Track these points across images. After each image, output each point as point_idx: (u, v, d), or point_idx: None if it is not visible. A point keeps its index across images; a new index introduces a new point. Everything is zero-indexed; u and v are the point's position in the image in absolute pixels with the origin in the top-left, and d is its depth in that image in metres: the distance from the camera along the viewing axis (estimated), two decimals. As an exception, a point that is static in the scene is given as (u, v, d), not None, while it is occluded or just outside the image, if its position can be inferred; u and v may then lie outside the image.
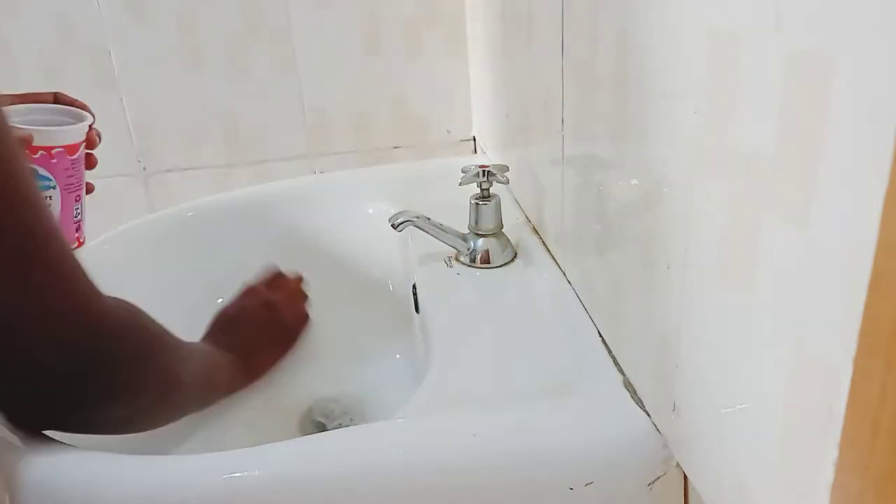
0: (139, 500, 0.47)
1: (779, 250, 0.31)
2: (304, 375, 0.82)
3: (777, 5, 0.29)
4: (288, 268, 0.89)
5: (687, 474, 0.46)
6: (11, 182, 0.37)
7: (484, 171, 0.72)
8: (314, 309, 0.79)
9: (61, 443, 0.49)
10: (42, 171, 0.55)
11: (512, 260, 0.74)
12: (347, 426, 0.52)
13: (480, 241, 0.73)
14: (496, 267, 0.73)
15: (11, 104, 0.55)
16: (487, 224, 0.73)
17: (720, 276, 0.37)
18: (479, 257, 0.73)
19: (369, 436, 0.50)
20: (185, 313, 0.82)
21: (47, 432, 0.50)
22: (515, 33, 0.76)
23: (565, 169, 0.63)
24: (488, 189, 0.73)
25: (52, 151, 0.54)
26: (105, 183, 1.06)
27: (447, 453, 0.48)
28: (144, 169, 1.05)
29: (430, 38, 1.05)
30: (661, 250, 0.43)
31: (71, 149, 0.56)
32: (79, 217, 0.60)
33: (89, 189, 0.62)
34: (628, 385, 0.52)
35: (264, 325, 0.71)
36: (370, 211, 0.88)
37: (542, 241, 0.75)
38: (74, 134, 0.56)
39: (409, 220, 0.72)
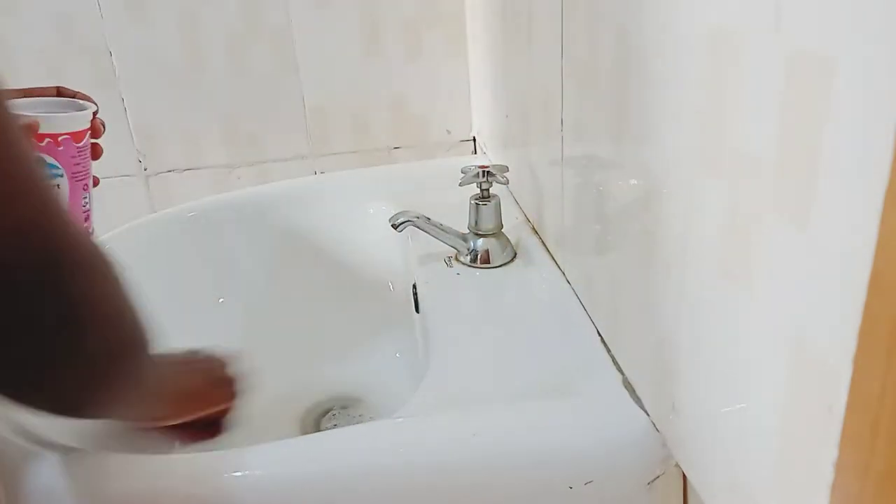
0: (139, 500, 0.47)
1: (779, 250, 0.31)
2: (305, 375, 0.82)
3: (777, 5, 0.29)
4: (288, 268, 0.89)
5: (686, 473, 0.46)
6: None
7: (484, 172, 0.72)
8: (314, 309, 0.79)
9: (61, 442, 0.49)
10: (50, 160, 0.55)
11: (512, 260, 0.74)
12: (347, 426, 0.51)
13: (480, 241, 0.73)
14: (496, 267, 0.73)
15: (15, 98, 0.55)
16: (487, 224, 0.73)
17: (720, 276, 0.37)
18: (479, 257, 0.73)
19: (369, 436, 0.50)
20: (185, 313, 0.82)
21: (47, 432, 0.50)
22: (515, 33, 0.76)
23: (565, 169, 0.63)
24: (488, 189, 0.73)
25: (59, 139, 0.55)
26: (106, 183, 1.06)
27: (447, 453, 0.48)
28: (145, 169, 1.05)
29: (430, 38, 1.05)
30: (660, 250, 0.43)
31: (77, 136, 0.56)
32: (87, 206, 0.60)
33: (95, 182, 0.61)
34: (627, 385, 0.52)
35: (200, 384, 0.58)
36: (370, 211, 0.88)
37: (542, 241, 0.75)
38: (79, 120, 0.56)
39: (409, 220, 0.72)
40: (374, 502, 0.47)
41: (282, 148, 1.08)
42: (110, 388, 0.41)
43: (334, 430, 0.51)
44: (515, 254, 0.75)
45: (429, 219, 0.73)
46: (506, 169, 0.73)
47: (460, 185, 0.72)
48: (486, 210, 0.73)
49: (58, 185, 0.56)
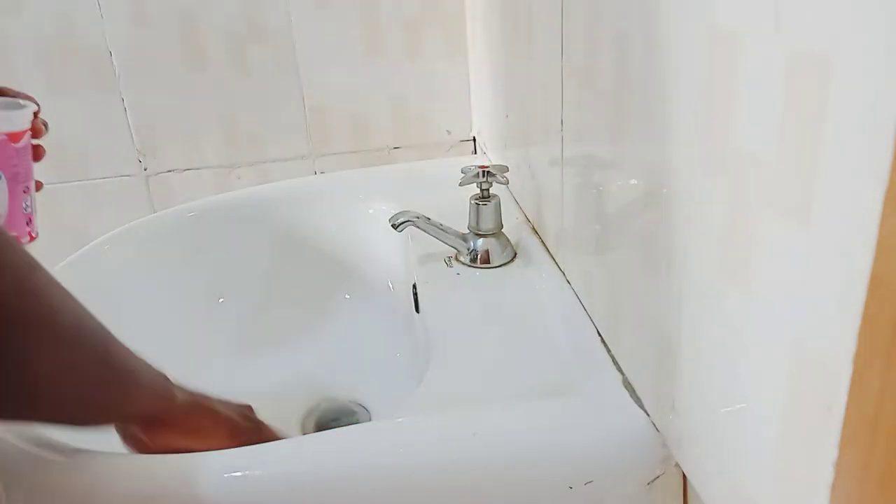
0: (139, 500, 0.47)
1: (779, 250, 0.31)
2: (304, 375, 0.82)
3: (777, 5, 0.29)
4: (288, 268, 0.89)
5: (686, 474, 0.46)
6: None
7: (484, 172, 0.72)
8: (314, 309, 0.79)
9: (60, 442, 0.49)
10: None
11: (512, 260, 0.74)
12: (347, 425, 0.51)
13: (480, 241, 0.73)
14: (496, 267, 0.73)
15: None
16: (487, 224, 0.73)
17: (720, 276, 0.37)
18: (479, 257, 0.73)
19: (369, 436, 0.50)
20: (185, 313, 0.82)
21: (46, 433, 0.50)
22: (515, 33, 0.76)
23: (565, 169, 0.63)
24: (488, 189, 0.73)
25: None
26: (105, 183, 1.07)
27: (447, 453, 0.48)
28: (145, 169, 1.05)
29: (430, 38, 1.05)
30: (660, 250, 0.43)
31: (14, 136, 0.54)
32: (29, 210, 0.57)
33: (38, 187, 0.58)
34: (627, 385, 0.52)
35: (233, 420, 0.54)
36: (370, 211, 0.88)
37: (542, 241, 0.75)
38: (17, 121, 0.54)
39: (409, 220, 0.72)
40: (374, 502, 0.47)
41: (282, 148, 1.08)
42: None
43: (334, 430, 0.51)
44: (515, 254, 0.75)
45: (429, 219, 0.73)
46: (506, 169, 0.73)
47: (460, 185, 0.72)
48: (486, 210, 0.73)
49: None
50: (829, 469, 0.29)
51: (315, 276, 0.89)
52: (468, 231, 0.74)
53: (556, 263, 0.70)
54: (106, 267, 0.78)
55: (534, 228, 0.77)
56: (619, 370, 0.54)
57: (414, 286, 0.75)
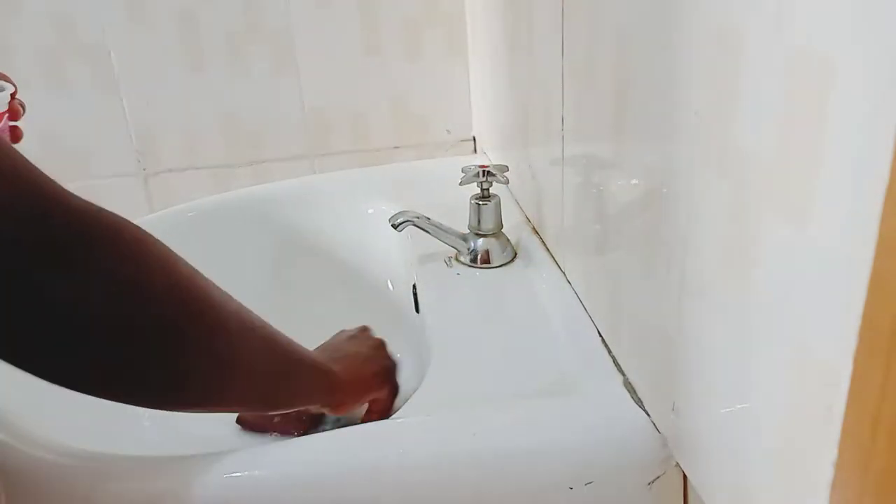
0: (139, 500, 0.47)
1: (779, 250, 0.31)
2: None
3: (777, 5, 0.29)
4: (288, 268, 0.89)
5: (686, 474, 0.46)
6: None
7: (484, 171, 0.72)
8: (314, 309, 0.79)
9: (60, 442, 0.49)
10: None
11: (512, 260, 0.74)
12: (347, 426, 0.51)
13: (480, 241, 0.73)
14: (496, 267, 0.73)
15: None
16: (487, 224, 0.73)
17: (720, 276, 0.37)
18: (479, 257, 0.73)
19: (369, 436, 0.50)
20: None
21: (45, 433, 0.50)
22: (515, 33, 0.76)
23: (565, 169, 0.63)
24: (488, 189, 0.73)
25: None
26: (105, 183, 1.07)
27: (447, 453, 0.48)
28: (144, 169, 1.05)
29: (430, 38, 1.05)
30: (660, 250, 0.43)
31: None
32: None
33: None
34: (628, 385, 0.52)
35: (373, 358, 0.63)
36: (370, 211, 0.88)
37: (542, 241, 0.75)
38: None
39: (409, 220, 0.72)
40: (374, 502, 0.47)
41: (282, 148, 1.08)
42: (178, 366, 0.39)
43: (334, 430, 0.51)
44: (515, 254, 0.75)
45: (429, 219, 0.73)
46: (506, 169, 0.73)
47: (460, 185, 0.72)
48: (486, 210, 0.73)
49: None
50: (829, 469, 0.29)
51: (315, 276, 0.88)
52: (468, 231, 0.74)
53: (557, 263, 0.70)
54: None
55: (534, 228, 0.77)
56: (620, 370, 0.53)
57: (414, 286, 0.75)
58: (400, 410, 0.53)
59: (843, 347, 0.27)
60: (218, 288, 0.43)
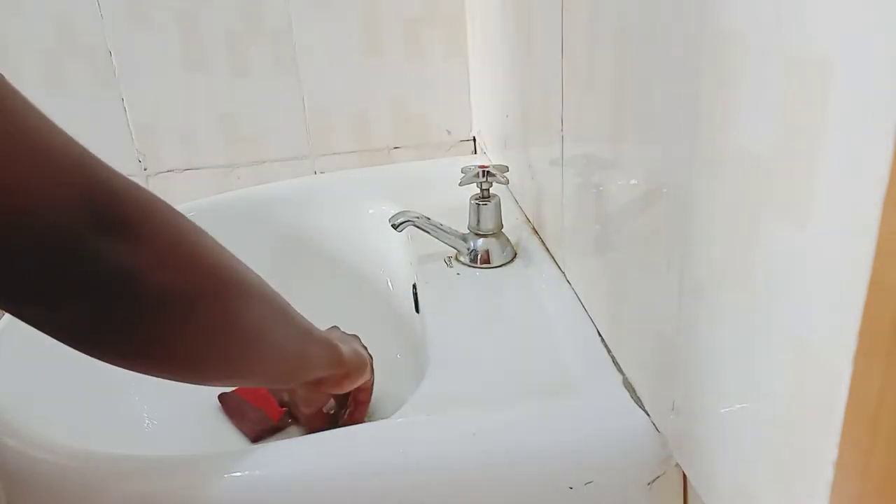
0: (139, 500, 0.47)
1: (779, 250, 0.31)
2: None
3: (777, 5, 0.29)
4: (288, 268, 0.89)
5: (686, 474, 0.46)
6: None
7: (484, 171, 0.72)
8: (314, 309, 0.79)
9: (59, 442, 0.49)
10: None
11: (512, 260, 0.74)
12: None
13: (480, 241, 0.73)
14: (496, 267, 0.73)
15: None
16: (487, 224, 0.73)
17: (720, 276, 0.37)
18: (479, 257, 0.73)
19: (369, 436, 0.50)
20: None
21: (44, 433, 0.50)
22: (515, 33, 0.76)
23: (565, 169, 0.63)
24: (488, 189, 0.73)
25: None
26: (105, 183, 1.06)
27: (447, 453, 0.48)
28: (145, 169, 1.05)
29: (430, 38, 1.05)
30: (660, 250, 0.43)
31: None
32: None
33: None
34: (628, 385, 0.52)
35: (359, 344, 0.64)
36: (370, 211, 0.88)
37: (542, 241, 0.75)
38: None
39: (409, 220, 0.72)
40: (375, 502, 0.47)
41: (282, 148, 1.08)
42: (198, 337, 0.40)
43: (334, 431, 0.51)
44: (515, 254, 0.75)
45: (429, 219, 0.73)
46: (506, 169, 0.73)
47: (460, 185, 0.72)
48: (486, 210, 0.73)
49: None
50: (829, 469, 0.29)
51: (315, 276, 0.89)
52: (468, 231, 0.74)
53: (556, 263, 0.70)
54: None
55: (534, 228, 0.77)
56: (620, 370, 0.54)
57: (414, 286, 0.75)
58: (400, 410, 0.53)
59: (844, 347, 0.27)
60: (239, 260, 0.44)
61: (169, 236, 0.38)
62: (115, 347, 0.38)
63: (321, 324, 0.56)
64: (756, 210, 0.32)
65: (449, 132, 1.11)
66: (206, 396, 0.71)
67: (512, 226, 0.78)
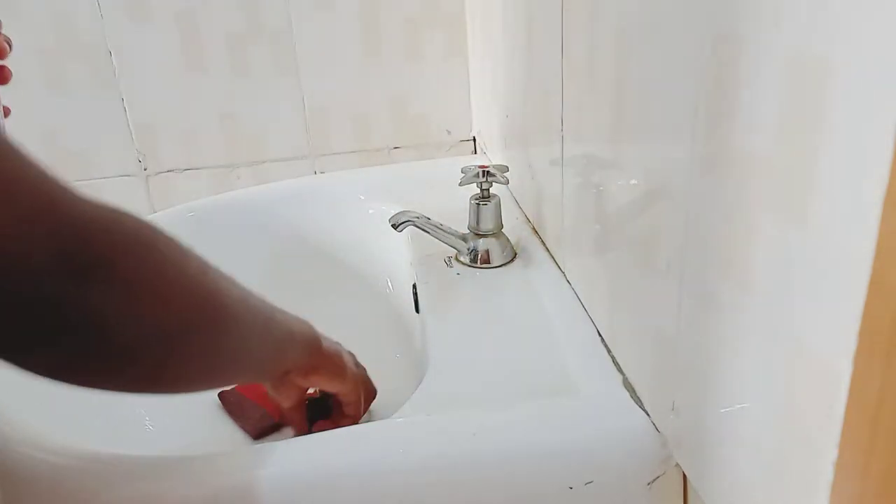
0: (138, 500, 0.47)
1: (778, 250, 0.31)
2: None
3: (777, 5, 0.29)
4: (287, 268, 0.89)
5: (686, 474, 0.46)
6: None
7: (484, 172, 0.72)
8: (314, 309, 0.79)
9: (60, 442, 0.49)
10: None
11: (512, 260, 0.74)
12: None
13: (480, 241, 0.73)
14: (496, 267, 0.73)
15: None
16: (487, 224, 0.73)
17: (719, 276, 0.37)
18: (479, 257, 0.73)
19: (369, 436, 0.50)
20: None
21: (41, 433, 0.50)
22: (515, 33, 0.76)
23: (565, 169, 0.63)
24: (488, 189, 0.73)
25: None
26: (105, 183, 1.07)
27: (447, 453, 0.48)
28: (145, 169, 1.05)
29: (431, 38, 1.05)
30: (660, 250, 0.43)
31: None
32: None
33: (6, 112, 0.53)
34: (627, 385, 0.52)
35: (348, 354, 0.62)
36: (370, 211, 0.88)
37: (542, 241, 0.75)
38: None
39: (409, 220, 0.72)
40: (374, 502, 0.47)
41: (282, 148, 1.08)
42: (192, 361, 0.41)
43: (334, 431, 0.51)
44: (515, 254, 0.75)
45: (429, 219, 0.73)
46: (506, 169, 0.73)
47: (460, 185, 0.72)
48: (486, 210, 0.73)
49: None
50: (829, 469, 0.29)
51: (315, 276, 0.89)
52: (468, 231, 0.74)
53: (556, 263, 0.70)
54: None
55: (534, 228, 0.77)
56: (619, 370, 0.54)
57: (414, 286, 0.75)
58: (400, 410, 0.53)
59: (843, 347, 0.27)
60: (223, 276, 0.44)
61: (145, 273, 0.36)
62: (95, 384, 0.38)
63: (321, 324, 0.57)
64: (756, 210, 0.32)
65: (449, 132, 1.11)
66: (206, 395, 0.71)
67: (512, 226, 0.78)
